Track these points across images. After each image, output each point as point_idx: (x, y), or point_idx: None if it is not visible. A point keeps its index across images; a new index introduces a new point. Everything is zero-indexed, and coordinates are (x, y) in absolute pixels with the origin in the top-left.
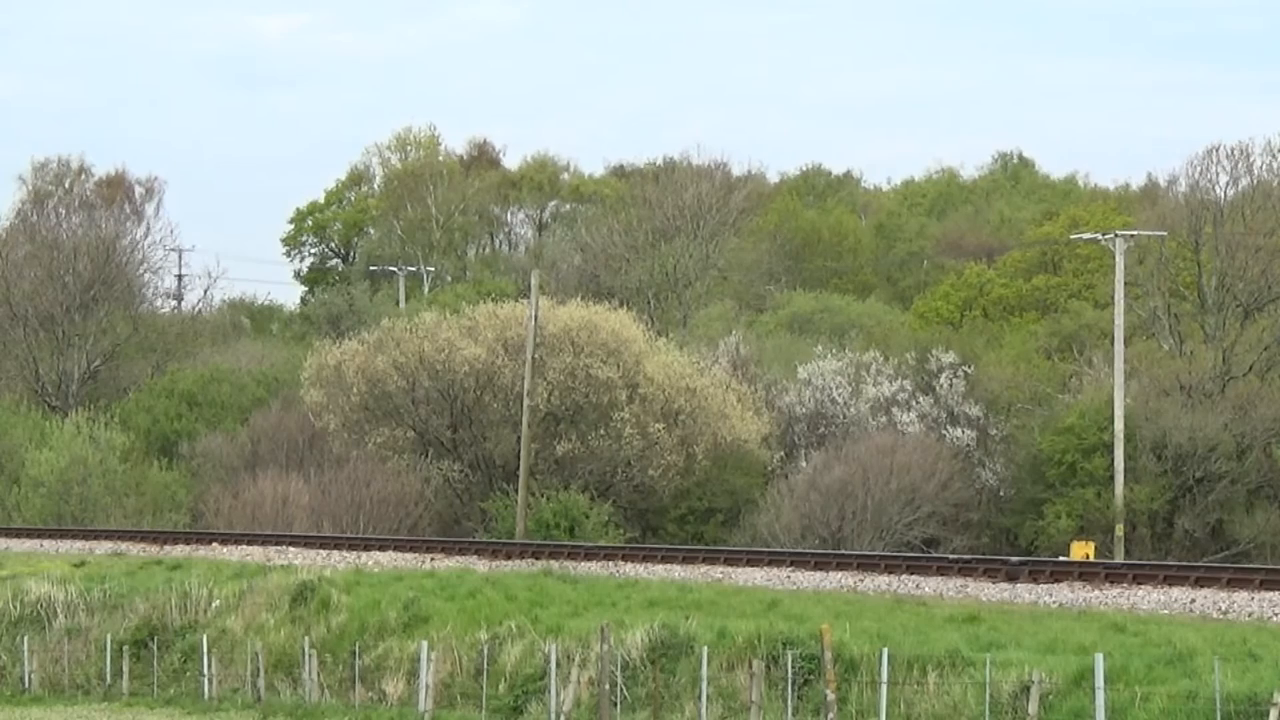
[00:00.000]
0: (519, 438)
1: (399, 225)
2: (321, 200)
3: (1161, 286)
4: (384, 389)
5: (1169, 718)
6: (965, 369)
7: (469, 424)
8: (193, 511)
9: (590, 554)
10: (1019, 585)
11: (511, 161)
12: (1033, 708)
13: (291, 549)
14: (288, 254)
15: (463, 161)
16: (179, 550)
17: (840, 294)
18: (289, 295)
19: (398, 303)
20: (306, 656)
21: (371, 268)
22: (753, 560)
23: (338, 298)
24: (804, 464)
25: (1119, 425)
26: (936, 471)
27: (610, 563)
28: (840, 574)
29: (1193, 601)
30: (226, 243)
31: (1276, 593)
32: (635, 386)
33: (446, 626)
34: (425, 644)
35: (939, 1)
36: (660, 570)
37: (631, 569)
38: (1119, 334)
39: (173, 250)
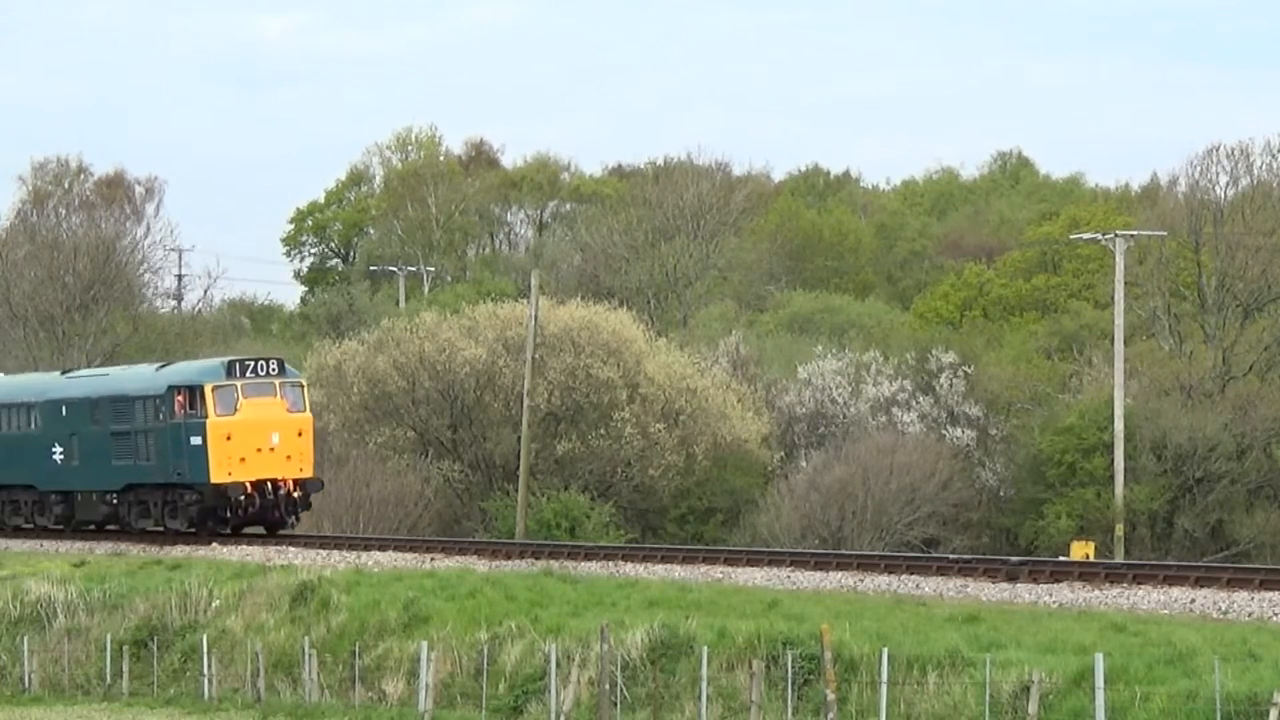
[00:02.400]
0: (519, 438)
1: (399, 225)
2: (321, 200)
3: (1161, 286)
4: (384, 389)
5: (1169, 718)
6: (965, 369)
7: (469, 424)
8: None
9: (590, 554)
10: (1019, 585)
11: (510, 161)
12: (1033, 708)
13: (291, 549)
14: (288, 254)
15: (462, 161)
16: (179, 550)
17: (840, 294)
18: (289, 295)
19: (398, 303)
20: (306, 656)
21: (371, 268)
22: (753, 560)
23: (338, 298)
24: (804, 464)
25: (1119, 425)
26: (936, 471)
27: (610, 563)
28: (840, 574)
29: (1193, 601)
30: (226, 243)
31: (1276, 593)
32: (635, 386)
33: (446, 626)
34: (425, 644)
35: (939, 1)
36: (660, 570)
37: (631, 569)
38: (1119, 334)
39: (173, 250)
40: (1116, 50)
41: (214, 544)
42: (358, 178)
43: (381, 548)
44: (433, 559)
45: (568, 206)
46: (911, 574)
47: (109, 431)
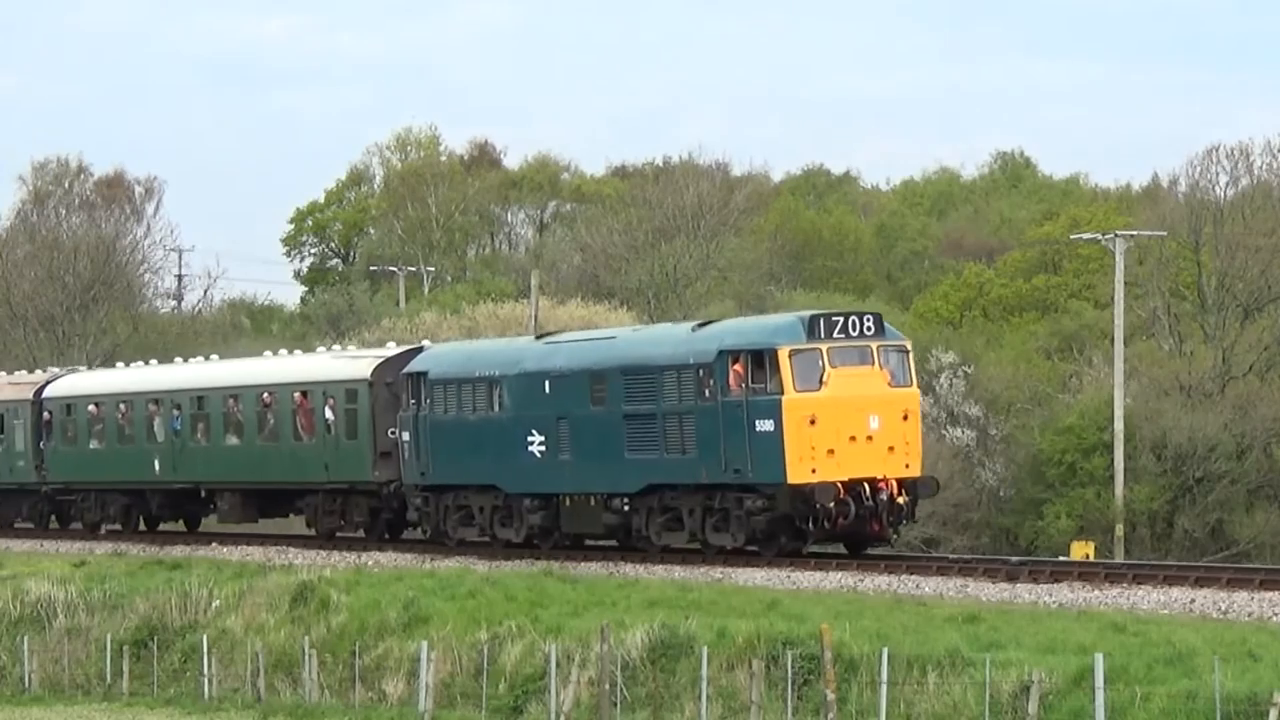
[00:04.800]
0: None
1: (399, 225)
2: (321, 200)
3: (1161, 286)
4: None
5: (1169, 718)
6: (965, 369)
7: None
8: None
9: (590, 554)
10: (1019, 585)
11: (512, 161)
12: (1033, 708)
13: (291, 549)
14: (288, 254)
15: (463, 161)
16: (179, 550)
17: (840, 294)
18: (289, 295)
19: (398, 303)
20: (306, 656)
21: (371, 268)
22: (753, 560)
23: (338, 298)
24: None
25: (1119, 425)
26: (936, 471)
27: (610, 563)
28: (840, 574)
29: (1193, 601)
30: (226, 243)
31: (1276, 593)
32: None
33: (446, 626)
34: (425, 644)
35: (939, 2)
36: (660, 570)
37: (631, 569)
38: (1119, 334)
39: (173, 250)
40: (1116, 50)
41: (214, 544)
42: (358, 178)
43: (381, 548)
44: (432, 559)
45: (568, 206)
46: (911, 574)
47: (620, 414)
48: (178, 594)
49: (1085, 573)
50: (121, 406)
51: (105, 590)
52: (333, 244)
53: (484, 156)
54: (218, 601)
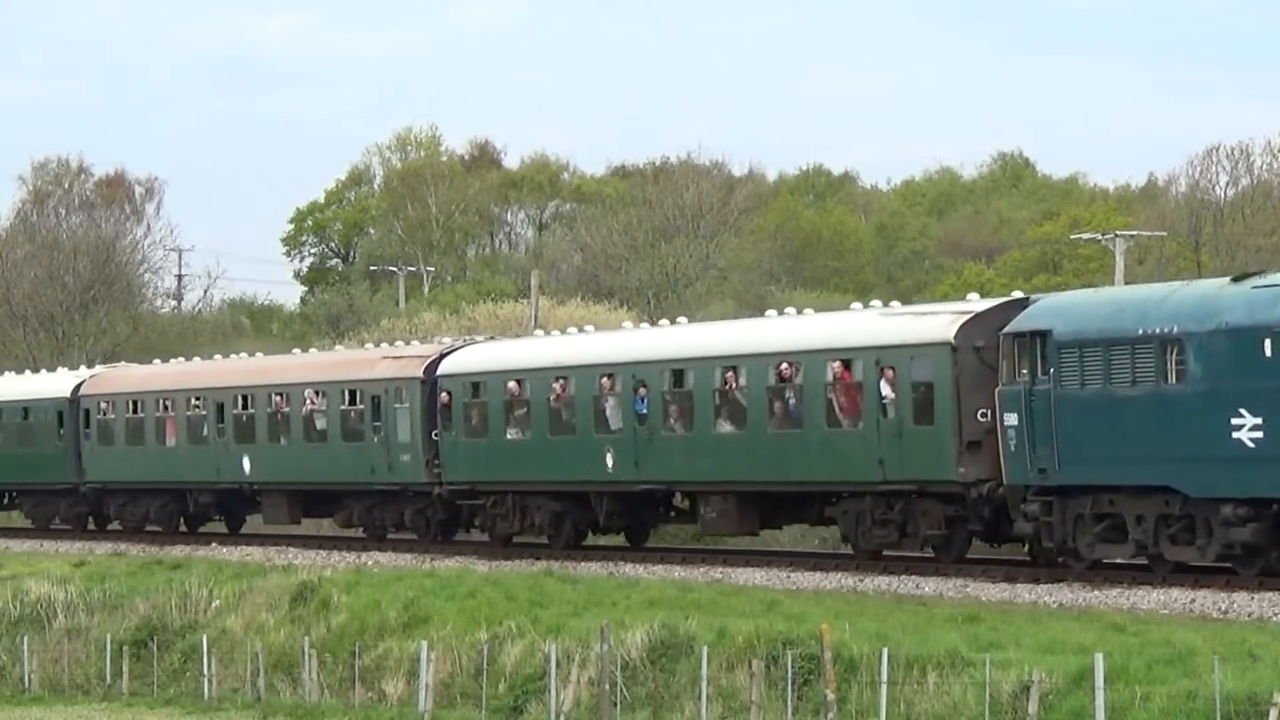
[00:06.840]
0: None
1: (399, 225)
2: (321, 200)
3: None
4: None
5: (1169, 718)
6: None
7: None
8: None
9: (590, 554)
10: (1019, 585)
11: (512, 161)
12: (1033, 708)
13: (291, 549)
14: (288, 254)
15: (463, 161)
16: (179, 550)
17: (841, 294)
18: (289, 295)
19: (398, 303)
20: (306, 656)
21: (371, 268)
22: (753, 560)
23: (338, 298)
24: None
25: None
26: None
27: (610, 563)
28: (840, 574)
29: (1193, 601)
30: (226, 243)
31: (1276, 593)
32: None
33: (446, 626)
34: (425, 644)
35: (938, 1)
36: (660, 570)
37: (631, 569)
38: None
39: (173, 250)
40: (1116, 50)
41: (214, 544)
42: (358, 178)
43: (381, 548)
44: (433, 559)
45: (568, 206)
46: (911, 574)
47: None
48: (178, 594)
49: (1085, 573)
50: (556, 384)
51: (105, 590)
52: (333, 244)
53: (484, 156)
54: (218, 601)
